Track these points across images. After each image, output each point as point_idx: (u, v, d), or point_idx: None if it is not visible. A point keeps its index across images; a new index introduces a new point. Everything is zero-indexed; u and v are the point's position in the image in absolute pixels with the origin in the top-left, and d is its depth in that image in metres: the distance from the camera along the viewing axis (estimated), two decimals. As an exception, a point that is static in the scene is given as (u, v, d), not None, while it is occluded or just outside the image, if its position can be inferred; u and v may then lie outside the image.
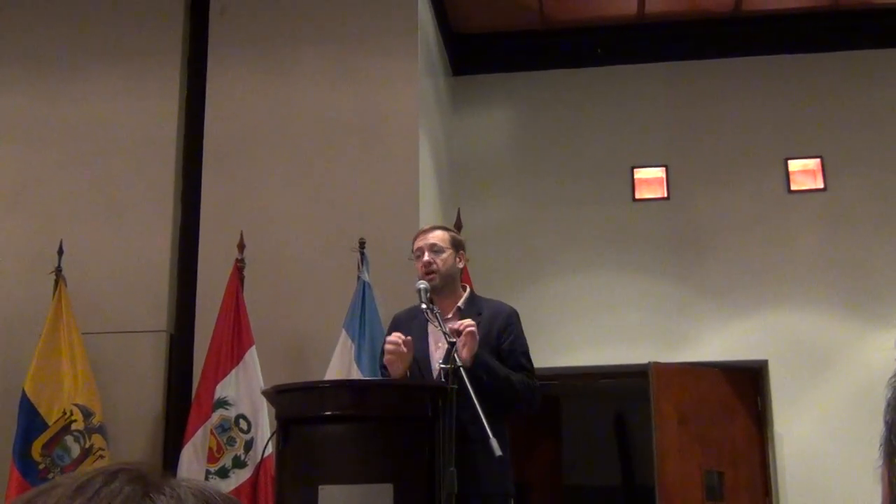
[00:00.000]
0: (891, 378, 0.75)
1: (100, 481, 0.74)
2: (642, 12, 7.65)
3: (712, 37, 7.79)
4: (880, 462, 0.74)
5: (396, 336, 3.81)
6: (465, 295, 4.09)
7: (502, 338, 3.95)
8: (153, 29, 6.58)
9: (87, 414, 5.57)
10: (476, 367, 3.65)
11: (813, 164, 7.55)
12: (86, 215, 6.28)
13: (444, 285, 3.98)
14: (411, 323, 4.00)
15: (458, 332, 3.66)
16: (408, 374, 3.81)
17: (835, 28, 7.65)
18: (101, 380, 5.73)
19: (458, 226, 5.67)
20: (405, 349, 3.79)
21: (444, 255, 4.01)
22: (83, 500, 0.72)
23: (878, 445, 0.76)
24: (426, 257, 4.00)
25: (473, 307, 4.03)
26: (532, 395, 3.93)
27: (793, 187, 7.51)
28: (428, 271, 3.96)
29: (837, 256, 7.26)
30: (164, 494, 0.73)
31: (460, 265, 4.12)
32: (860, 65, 7.62)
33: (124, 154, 6.38)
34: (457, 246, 4.10)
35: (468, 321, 3.74)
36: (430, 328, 3.94)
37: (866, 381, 6.66)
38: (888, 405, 0.74)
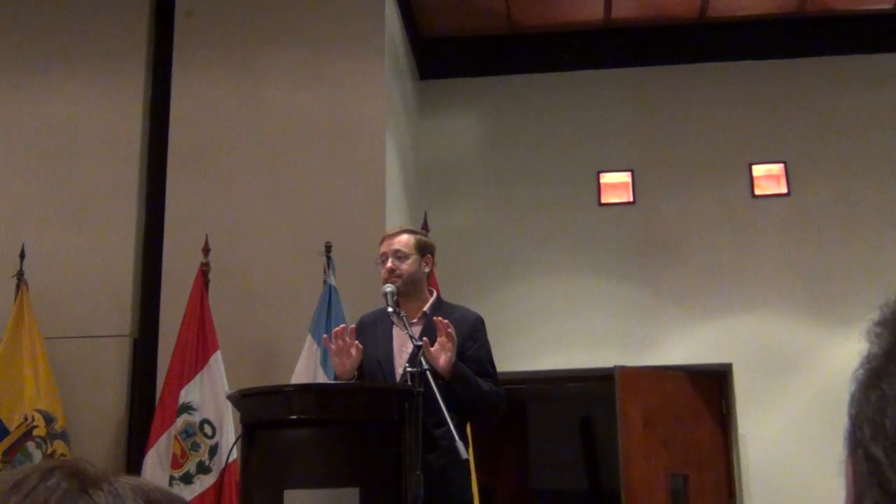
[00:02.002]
0: (854, 371, 0.75)
1: (36, 478, 0.72)
2: (609, 18, 7.68)
3: (678, 43, 7.84)
4: (845, 455, 0.74)
5: (342, 326, 3.80)
6: (432, 300, 4.09)
7: (468, 344, 3.95)
8: (118, 30, 6.53)
9: (50, 419, 5.51)
10: (453, 379, 3.65)
11: (777, 169, 7.61)
12: (49, 218, 6.21)
13: (408, 290, 3.97)
14: (377, 326, 3.99)
15: (431, 335, 3.66)
16: (355, 372, 3.79)
17: (799, 34, 7.72)
18: (63, 385, 5.67)
19: (425, 229, 5.66)
20: (350, 344, 3.76)
21: (408, 261, 4.00)
22: (19, 497, 0.71)
23: (842, 442, 0.76)
24: (389, 263, 3.99)
25: (439, 312, 4.01)
26: (501, 402, 3.94)
27: (757, 192, 7.57)
28: (391, 277, 3.96)
29: (801, 261, 7.33)
30: (101, 490, 0.72)
31: (426, 269, 4.09)
32: (824, 71, 7.70)
33: (88, 156, 6.32)
34: (422, 250, 4.07)
35: (447, 322, 3.72)
36: (395, 332, 3.94)
37: (830, 384, 6.72)
38: (852, 398, 0.74)
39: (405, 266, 3.98)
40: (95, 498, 0.71)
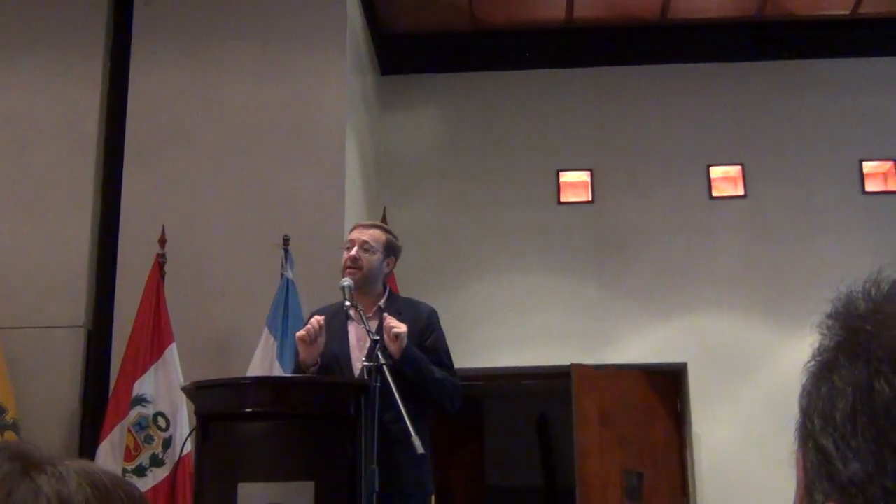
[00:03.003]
0: (806, 363, 0.76)
1: None
2: (571, 17, 7.71)
3: (639, 43, 7.89)
4: (796, 446, 0.75)
5: (318, 319, 3.78)
6: (386, 295, 4.09)
7: (424, 336, 3.97)
8: (75, 18, 6.44)
9: (1, 410, 5.44)
10: (404, 361, 3.66)
11: (734, 171, 7.69)
12: (2, 207, 6.13)
13: (364, 284, 3.98)
14: (331, 320, 3.98)
15: (383, 330, 3.67)
16: (318, 361, 3.79)
17: (759, 38, 7.80)
18: (15, 376, 5.60)
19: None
20: (321, 335, 3.76)
21: (373, 257, 4.00)
22: None
23: (793, 434, 0.76)
24: (353, 252, 3.99)
25: (393, 306, 4.04)
26: (456, 392, 3.96)
27: (714, 193, 7.64)
28: (352, 266, 3.95)
29: (757, 262, 7.41)
30: (44, 473, 0.70)
31: (386, 270, 4.10)
32: (782, 75, 7.78)
33: (43, 146, 6.24)
34: (389, 250, 4.08)
35: (399, 327, 3.72)
36: (351, 326, 3.95)
37: (783, 384, 6.78)
38: (803, 390, 0.75)
39: (368, 259, 3.99)
40: (38, 481, 0.69)
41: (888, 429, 0.67)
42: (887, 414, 0.68)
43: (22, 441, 0.77)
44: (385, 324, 3.70)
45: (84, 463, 0.74)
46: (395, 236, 4.21)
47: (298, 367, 3.88)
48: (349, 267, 3.95)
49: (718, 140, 7.72)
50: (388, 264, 4.09)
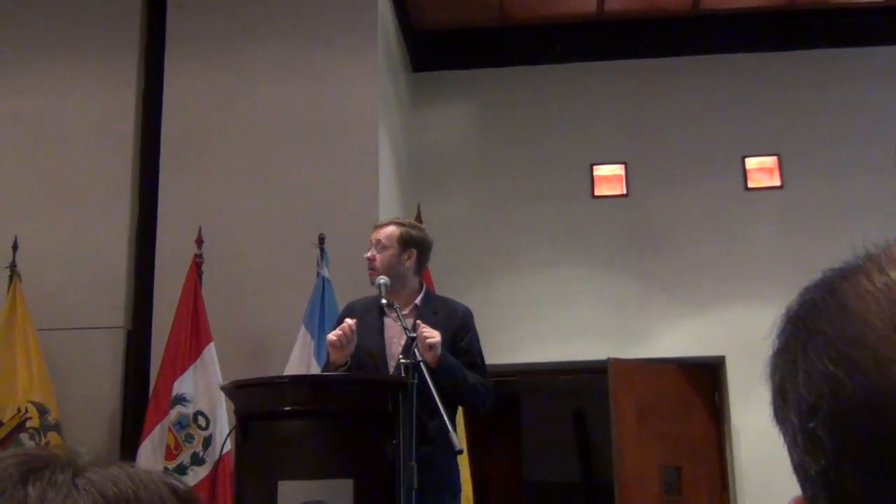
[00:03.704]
0: (770, 336, 0.75)
1: None
2: (602, 10, 7.69)
3: (671, 35, 7.84)
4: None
5: (350, 325, 3.79)
6: (422, 293, 4.09)
7: (458, 336, 3.98)
8: (110, 22, 6.51)
9: (43, 411, 5.51)
10: (440, 370, 3.66)
11: (770, 161, 7.63)
12: (41, 210, 6.20)
13: (391, 283, 3.95)
14: (366, 314, 4.00)
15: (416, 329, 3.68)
16: (348, 360, 3.80)
17: (791, 27, 7.73)
18: (57, 377, 5.67)
19: (419, 221, 5.65)
20: (352, 340, 3.78)
21: (387, 253, 4.01)
22: None
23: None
24: (369, 253, 4.03)
25: (429, 305, 4.05)
26: (487, 395, 3.97)
27: (750, 185, 7.58)
28: (369, 267, 4.00)
29: (793, 253, 7.33)
30: (40, 481, 0.69)
31: (407, 263, 4.06)
32: (817, 63, 7.71)
33: (81, 148, 6.30)
34: (406, 244, 4.05)
35: (433, 336, 3.71)
36: (387, 322, 3.95)
37: (821, 376, 6.73)
38: (769, 364, 0.74)
39: (381, 256, 4.00)
40: (28, 489, 0.68)
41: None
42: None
43: (63, 446, 0.76)
44: (419, 333, 3.68)
45: (121, 470, 0.72)
46: (413, 227, 4.17)
47: (327, 366, 3.90)
48: (369, 268, 4.00)
49: (753, 131, 7.66)
50: (408, 257, 4.05)
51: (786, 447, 0.71)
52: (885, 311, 0.65)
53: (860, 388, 0.63)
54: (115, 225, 6.19)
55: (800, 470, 0.68)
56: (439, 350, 3.69)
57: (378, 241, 4.05)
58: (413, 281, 4.10)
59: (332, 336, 3.79)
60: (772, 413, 0.74)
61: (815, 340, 0.69)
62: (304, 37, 6.42)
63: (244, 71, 6.40)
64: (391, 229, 4.11)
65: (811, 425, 0.67)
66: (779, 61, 7.75)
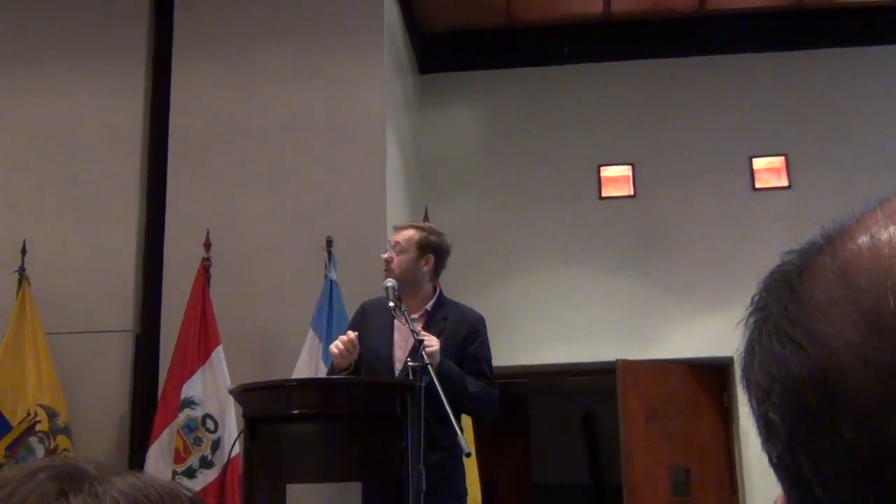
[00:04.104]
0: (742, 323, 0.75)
1: (19, 479, 0.71)
2: (608, 11, 7.68)
3: (677, 35, 7.83)
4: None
5: (351, 338, 3.81)
6: (435, 297, 4.08)
7: (468, 343, 3.97)
8: (118, 25, 6.52)
9: (52, 415, 5.52)
10: (438, 378, 3.66)
11: (777, 161, 7.61)
12: (50, 214, 6.21)
13: (404, 285, 3.95)
14: (379, 315, 4.01)
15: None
16: (351, 365, 3.81)
17: (799, 27, 7.72)
18: (65, 380, 5.68)
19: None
20: (354, 352, 3.80)
21: (404, 256, 4.00)
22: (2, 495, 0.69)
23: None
24: (387, 254, 4.01)
25: (440, 310, 4.04)
26: (492, 403, 3.95)
27: (757, 185, 7.57)
28: (385, 268, 3.99)
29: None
30: (81, 493, 0.70)
31: (424, 268, 4.06)
32: (824, 63, 7.69)
33: (89, 151, 6.32)
34: (424, 248, 4.04)
35: (432, 344, 3.70)
36: (397, 325, 3.95)
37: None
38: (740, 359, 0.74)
39: (398, 259, 3.99)
40: (72, 501, 0.69)
41: None
42: None
43: (73, 456, 0.76)
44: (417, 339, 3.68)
45: (138, 479, 0.74)
46: (433, 233, 4.16)
47: (332, 371, 3.92)
48: (385, 269, 3.99)
49: (761, 131, 7.65)
50: (426, 262, 4.05)
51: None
52: (828, 286, 0.64)
53: (804, 365, 0.62)
54: (123, 228, 6.20)
55: (770, 459, 0.68)
56: (437, 358, 3.67)
57: (397, 243, 4.03)
58: (427, 286, 4.09)
59: (333, 349, 3.82)
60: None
61: (766, 323, 0.69)
62: (312, 40, 6.43)
63: (252, 74, 6.41)
64: (411, 233, 4.09)
65: (763, 409, 0.66)
66: (786, 61, 7.74)
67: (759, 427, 0.69)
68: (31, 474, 0.71)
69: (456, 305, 4.16)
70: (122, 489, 0.71)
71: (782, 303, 0.67)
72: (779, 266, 0.71)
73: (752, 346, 0.70)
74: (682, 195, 7.56)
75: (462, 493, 3.98)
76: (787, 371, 0.64)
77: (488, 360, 4.03)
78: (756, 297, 0.72)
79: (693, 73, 7.80)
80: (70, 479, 0.71)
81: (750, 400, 0.71)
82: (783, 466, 0.65)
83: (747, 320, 0.72)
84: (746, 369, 0.71)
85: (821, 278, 0.65)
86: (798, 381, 0.63)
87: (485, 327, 4.09)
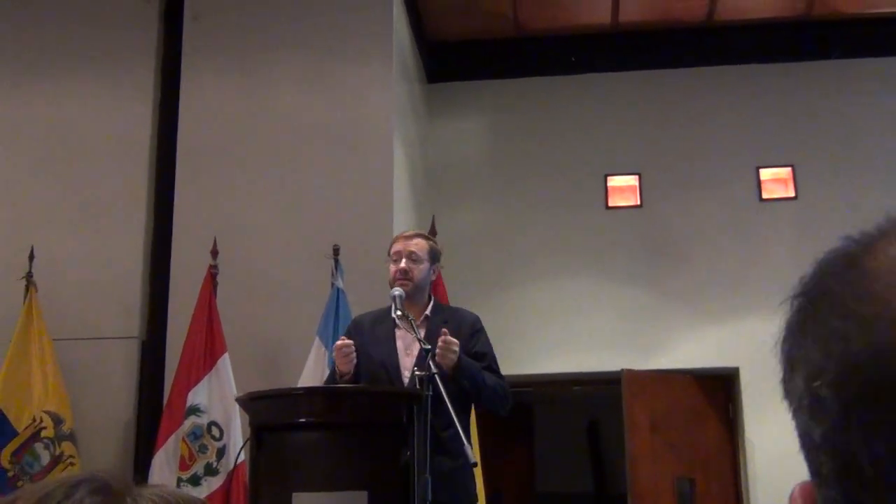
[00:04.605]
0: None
1: (61, 493, 0.72)
2: (616, 21, 7.69)
3: (685, 46, 7.84)
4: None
5: (349, 341, 3.83)
6: (432, 303, 4.13)
7: (471, 342, 4.00)
8: (127, 33, 6.54)
9: (58, 421, 5.52)
10: (461, 373, 3.70)
11: (784, 172, 7.61)
12: (57, 221, 6.23)
13: (413, 294, 4.01)
14: (376, 327, 4.02)
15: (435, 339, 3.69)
16: (351, 370, 3.83)
17: (807, 38, 7.72)
18: (71, 387, 5.68)
19: (433, 233, 5.67)
20: (352, 357, 3.82)
21: (421, 266, 4.03)
22: None
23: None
24: (403, 264, 4.01)
25: (439, 315, 4.08)
26: (507, 396, 4.01)
27: (764, 196, 7.57)
28: (402, 278, 3.98)
29: (808, 264, 7.23)
30: (125, 503, 0.72)
31: (433, 277, 4.15)
32: (832, 74, 7.69)
33: (97, 159, 6.34)
34: (433, 258, 4.12)
35: (456, 342, 3.75)
36: (399, 334, 3.97)
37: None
38: (779, 337, 0.74)
39: (418, 270, 4.01)
40: None
41: None
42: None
43: (103, 470, 0.78)
44: (444, 338, 3.70)
45: (156, 489, 0.75)
46: (435, 242, 4.26)
47: (333, 375, 3.93)
48: (400, 279, 3.98)
49: (768, 141, 7.64)
50: (434, 272, 4.14)
51: (793, 421, 0.71)
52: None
53: (868, 343, 0.62)
54: (130, 235, 6.21)
55: (805, 439, 0.68)
56: (458, 354, 3.72)
57: (412, 252, 4.05)
58: (427, 294, 4.14)
59: (338, 354, 3.84)
60: (782, 391, 0.73)
61: (824, 300, 0.69)
62: (320, 49, 6.44)
63: (260, 82, 6.42)
64: (422, 242, 4.12)
65: (816, 384, 0.66)
66: (792, 72, 7.74)
67: (802, 402, 0.68)
68: (70, 489, 0.72)
69: (451, 309, 4.26)
70: (152, 495, 0.72)
71: (846, 280, 0.67)
72: (836, 249, 0.72)
73: (803, 325, 0.70)
74: (688, 205, 7.56)
75: (474, 500, 4.00)
76: (848, 347, 0.64)
77: (493, 354, 4.10)
78: (808, 278, 0.72)
79: (700, 83, 7.81)
80: (110, 491, 0.72)
81: (792, 381, 0.70)
82: (829, 443, 0.65)
83: (792, 301, 0.72)
84: (792, 348, 0.70)
85: (886, 259, 0.66)
86: (860, 357, 0.63)
87: (482, 324, 4.17)
